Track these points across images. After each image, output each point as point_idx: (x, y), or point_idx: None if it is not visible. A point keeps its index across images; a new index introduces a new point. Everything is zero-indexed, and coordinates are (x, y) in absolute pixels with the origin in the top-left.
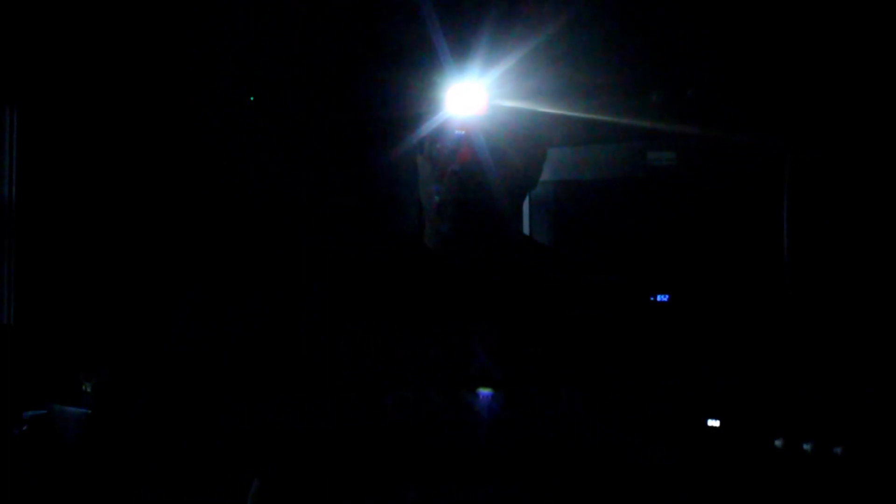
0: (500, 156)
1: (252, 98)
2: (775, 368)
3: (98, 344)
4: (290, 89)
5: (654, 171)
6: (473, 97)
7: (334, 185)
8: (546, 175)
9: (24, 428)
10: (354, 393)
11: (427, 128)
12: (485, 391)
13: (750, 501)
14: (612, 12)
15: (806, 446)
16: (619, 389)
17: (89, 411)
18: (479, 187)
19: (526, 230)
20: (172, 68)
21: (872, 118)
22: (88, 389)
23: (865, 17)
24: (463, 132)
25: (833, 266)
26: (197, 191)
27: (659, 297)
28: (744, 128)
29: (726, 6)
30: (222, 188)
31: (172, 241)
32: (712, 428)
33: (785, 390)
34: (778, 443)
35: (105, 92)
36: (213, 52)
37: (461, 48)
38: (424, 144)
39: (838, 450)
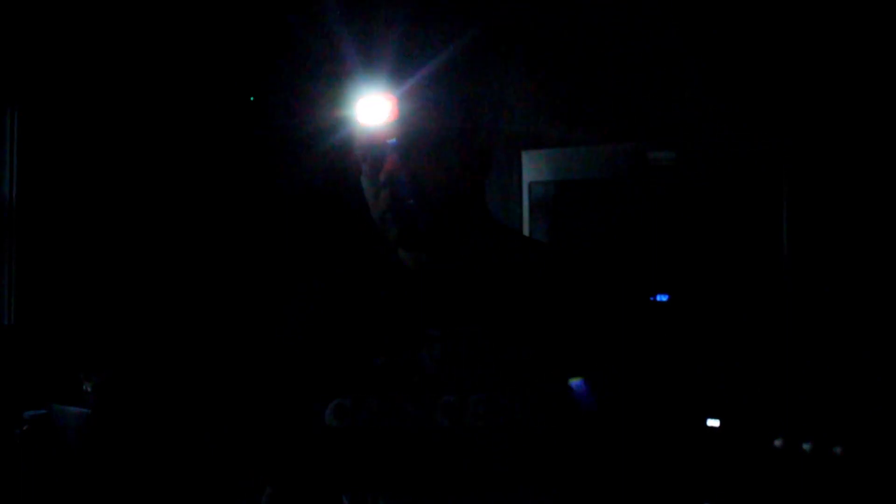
0: (427, 156)
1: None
2: (775, 368)
3: (98, 344)
4: (297, 86)
5: (654, 171)
6: (382, 106)
7: (330, 186)
8: (546, 175)
9: (25, 428)
10: (298, 398)
11: (358, 142)
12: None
13: (750, 501)
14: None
15: (806, 446)
16: (620, 392)
17: (90, 411)
18: (412, 193)
19: (526, 230)
20: (172, 69)
21: (872, 118)
22: (89, 389)
23: (864, 17)
24: (382, 142)
25: (832, 266)
26: (197, 191)
27: (659, 297)
28: (744, 128)
29: (726, 6)
30: (222, 188)
31: (172, 240)
32: (712, 428)
33: (785, 390)
34: (778, 443)
35: (105, 93)
36: (213, 52)
37: (369, 56)
38: (362, 162)
39: (838, 450)
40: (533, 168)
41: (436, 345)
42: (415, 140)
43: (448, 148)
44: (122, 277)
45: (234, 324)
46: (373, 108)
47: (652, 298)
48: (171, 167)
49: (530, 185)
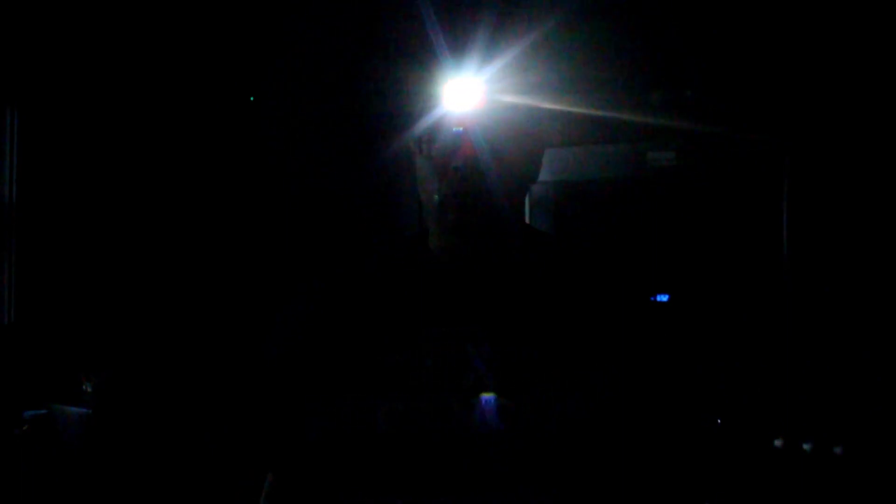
0: (499, 151)
1: (252, 98)
2: (775, 368)
3: (98, 344)
4: (289, 87)
5: (654, 171)
6: (471, 92)
7: (337, 184)
8: (546, 175)
9: (25, 428)
10: (347, 401)
11: (426, 124)
12: (485, 397)
13: (750, 501)
14: (613, 10)
15: (806, 446)
16: (623, 392)
17: (90, 411)
18: (481, 182)
19: None
20: (173, 68)
21: (872, 118)
22: (89, 389)
23: (864, 17)
24: (462, 128)
25: (832, 266)
26: (197, 190)
27: (659, 297)
28: (743, 127)
29: (726, 6)
30: (223, 187)
31: (172, 240)
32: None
33: (785, 390)
34: (778, 443)
35: (105, 93)
36: (213, 51)
37: (458, 43)
38: (422, 143)
39: (838, 450)
40: None
41: (484, 344)
42: (497, 129)
43: (524, 140)
44: (122, 277)
45: (233, 325)
46: (460, 93)
47: (652, 298)
48: (171, 167)
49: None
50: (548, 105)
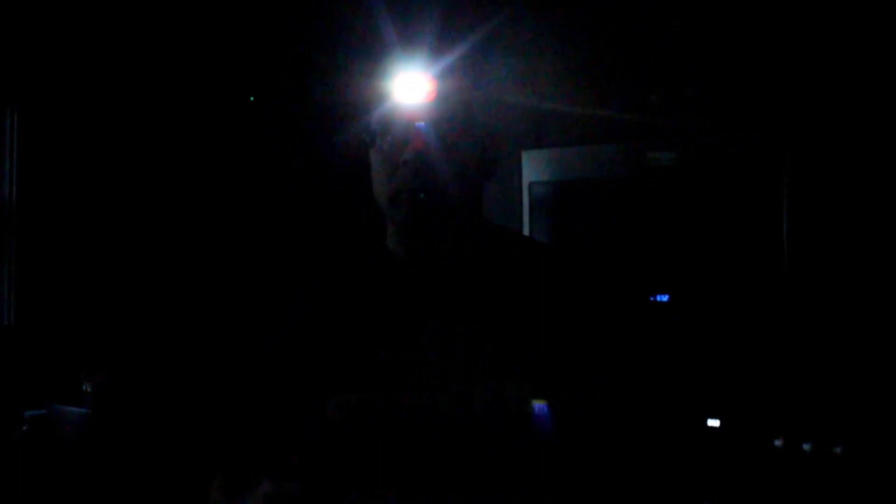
0: (452, 143)
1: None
2: (775, 368)
3: (98, 344)
4: (244, 84)
5: (654, 171)
6: (422, 84)
7: (292, 182)
8: (546, 175)
9: (25, 428)
10: (302, 396)
11: (377, 117)
12: (538, 405)
13: (750, 501)
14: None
15: (806, 446)
16: (581, 383)
17: (89, 411)
18: (434, 175)
19: (526, 230)
20: (171, 68)
21: (872, 119)
22: (88, 389)
23: (864, 17)
24: (413, 121)
25: (832, 266)
26: (196, 190)
27: (659, 297)
28: (743, 127)
29: (727, 6)
30: (220, 189)
31: (172, 240)
32: (712, 428)
33: (785, 390)
34: (778, 443)
35: (105, 92)
36: (211, 51)
37: (409, 36)
38: (375, 137)
39: (838, 450)
40: (533, 168)
41: (438, 338)
42: (448, 122)
43: (475, 135)
44: (122, 277)
45: (233, 325)
46: (411, 87)
47: (652, 298)
48: (171, 167)
49: (530, 185)
50: (499, 96)
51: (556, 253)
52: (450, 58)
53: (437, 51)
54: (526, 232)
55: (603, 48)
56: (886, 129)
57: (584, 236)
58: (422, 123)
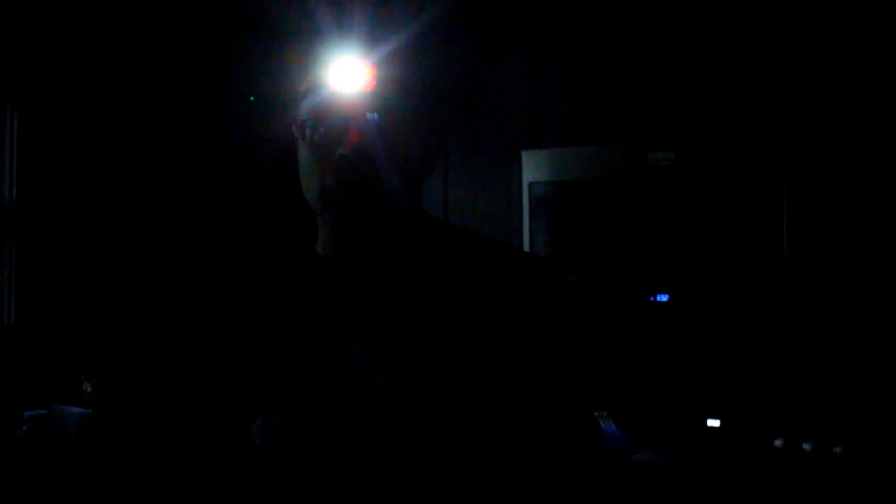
0: (390, 138)
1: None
2: (775, 368)
3: (98, 344)
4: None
5: (654, 171)
6: (360, 73)
7: (218, 180)
8: (546, 175)
9: (25, 428)
10: (224, 420)
11: (309, 107)
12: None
13: (750, 501)
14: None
15: (806, 446)
16: (518, 385)
17: (90, 411)
18: (370, 172)
19: (526, 230)
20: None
21: (872, 119)
22: (89, 389)
23: (864, 17)
24: (350, 112)
25: (832, 265)
26: (195, 190)
27: (659, 297)
28: (743, 128)
29: (727, 7)
30: (220, 189)
31: (171, 241)
32: (712, 428)
33: (785, 390)
34: (778, 443)
35: (104, 93)
36: (209, 53)
37: (345, 18)
38: (305, 129)
39: (838, 449)
40: (533, 168)
41: (372, 347)
42: (389, 113)
43: (418, 127)
44: (122, 278)
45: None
46: (347, 74)
47: (652, 298)
48: (171, 167)
49: (530, 185)
50: (441, 86)
51: (497, 248)
52: (391, 43)
53: (376, 34)
54: (526, 232)
55: (603, 48)
56: (886, 130)
57: (583, 236)
58: (360, 114)
